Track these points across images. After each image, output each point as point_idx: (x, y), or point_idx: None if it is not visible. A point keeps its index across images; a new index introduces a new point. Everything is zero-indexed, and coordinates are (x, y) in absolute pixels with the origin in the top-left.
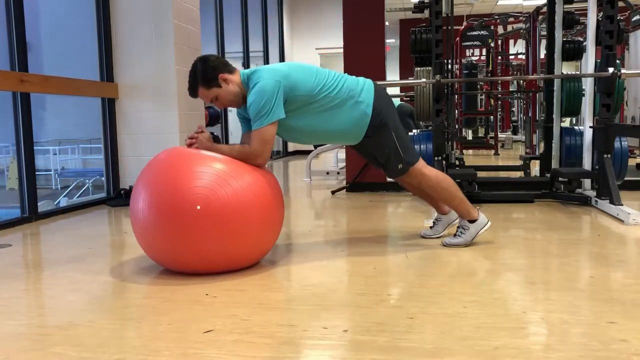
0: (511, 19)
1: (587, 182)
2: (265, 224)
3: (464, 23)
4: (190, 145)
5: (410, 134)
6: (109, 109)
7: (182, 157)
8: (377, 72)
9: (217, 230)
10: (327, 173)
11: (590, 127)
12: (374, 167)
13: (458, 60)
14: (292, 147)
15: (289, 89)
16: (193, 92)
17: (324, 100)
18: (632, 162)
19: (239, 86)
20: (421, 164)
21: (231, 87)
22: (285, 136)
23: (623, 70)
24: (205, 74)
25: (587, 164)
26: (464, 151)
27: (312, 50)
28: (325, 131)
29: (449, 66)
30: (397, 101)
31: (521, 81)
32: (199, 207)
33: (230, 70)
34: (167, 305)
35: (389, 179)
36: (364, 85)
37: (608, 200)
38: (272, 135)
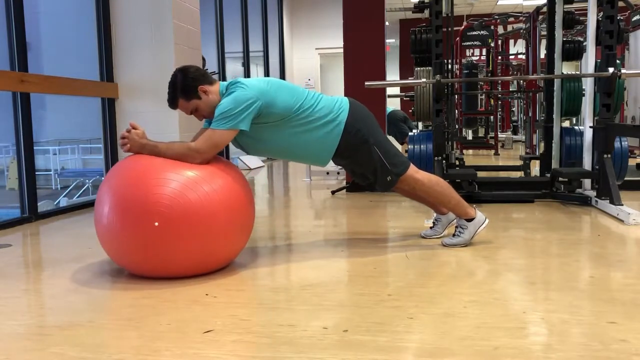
0: (511, 19)
1: (587, 182)
2: (232, 227)
3: (464, 23)
4: (123, 146)
5: (410, 134)
6: (109, 109)
7: (147, 160)
8: (377, 72)
9: (180, 235)
10: (327, 173)
11: (590, 127)
12: (362, 184)
13: (458, 60)
14: None
15: (266, 105)
16: (173, 103)
17: (298, 117)
18: (632, 162)
19: (218, 97)
20: (412, 170)
21: (210, 99)
22: (251, 146)
23: (623, 70)
24: (185, 85)
25: (587, 164)
26: (464, 151)
27: (312, 50)
28: (290, 148)
29: (449, 66)
30: (389, 108)
31: (521, 81)
32: (157, 224)
33: (210, 81)
34: (167, 305)
35: None
36: (340, 105)
37: (608, 200)
38: (224, 141)
